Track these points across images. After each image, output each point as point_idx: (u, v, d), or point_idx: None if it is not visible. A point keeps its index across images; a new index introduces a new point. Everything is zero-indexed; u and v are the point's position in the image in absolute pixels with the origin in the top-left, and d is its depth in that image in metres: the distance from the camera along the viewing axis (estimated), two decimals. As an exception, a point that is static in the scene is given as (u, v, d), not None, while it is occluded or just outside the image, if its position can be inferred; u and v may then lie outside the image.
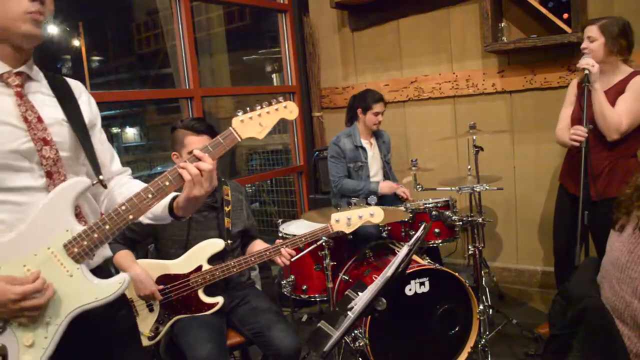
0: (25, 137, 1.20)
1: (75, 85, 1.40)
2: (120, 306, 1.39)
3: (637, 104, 2.34)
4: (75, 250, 1.21)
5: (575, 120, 2.55)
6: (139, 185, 1.37)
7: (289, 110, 1.38)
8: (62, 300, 1.20)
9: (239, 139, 1.33)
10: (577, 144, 2.34)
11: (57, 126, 1.27)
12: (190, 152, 2.03)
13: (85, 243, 1.21)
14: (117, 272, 1.57)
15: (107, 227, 1.23)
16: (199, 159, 1.28)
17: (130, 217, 1.24)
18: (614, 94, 2.41)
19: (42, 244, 1.19)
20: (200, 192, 1.28)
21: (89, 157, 1.33)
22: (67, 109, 1.32)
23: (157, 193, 1.26)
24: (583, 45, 2.44)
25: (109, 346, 1.36)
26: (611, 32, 2.37)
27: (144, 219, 1.39)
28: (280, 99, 1.38)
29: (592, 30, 2.40)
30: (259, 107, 1.35)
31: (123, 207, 1.24)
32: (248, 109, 1.34)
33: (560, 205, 2.77)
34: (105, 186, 1.35)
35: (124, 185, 1.44)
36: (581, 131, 2.31)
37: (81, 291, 1.21)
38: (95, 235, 1.22)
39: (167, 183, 1.27)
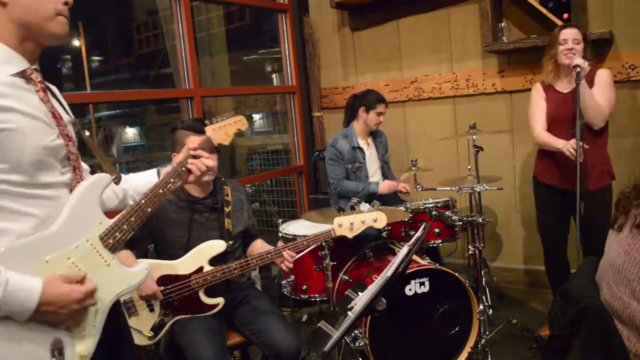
0: (54, 133, 1.22)
1: (54, 87, 1.41)
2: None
3: (609, 93, 2.60)
4: (111, 241, 1.29)
5: (554, 119, 2.69)
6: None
7: (242, 122, 1.64)
8: (103, 289, 1.27)
9: (216, 144, 1.59)
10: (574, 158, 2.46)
11: (69, 125, 1.31)
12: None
13: (117, 234, 1.30)
14: None
15: (133, 219, 1.33)
16: (195, 157, 1.49)
17: (149, 209, 1.37)
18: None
19: (81, 237, 1.25)
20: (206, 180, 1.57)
21: (98, 155, 1.39)
22: (64, 109, 1.35)
23: (166, 190, 1.43)
24: (569, 46, 2.59)
25: (111, 343, 1.37)
26: (585, 36, 2.64)
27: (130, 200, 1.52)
28: (233, 114, 1.63)
29: (578, 34, 2.61)
30: (219, 120, 1.60)
31: (143, 201, 1.36)
32: (213, 119, 1.60)
33: (545, 201, 2.83)
34: (117, 183, 1.41)
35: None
36: (571, 147, 2.47)
37: (118, 279, 1.31)
38: (125, 227, 1.31)
39: (172, 180, 1.45)
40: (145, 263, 1.38)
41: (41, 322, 1.15)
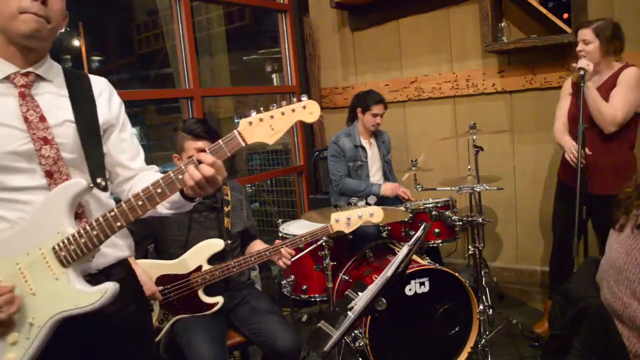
0: (24, 138, 1.19)
1: (97, 83, 1.38)
2: (127, 303, 1.36)
3: (630, 95, 2.45)
4: (63, 253, 1.19)
5: (572, 117, 2.64)
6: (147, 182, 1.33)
7: (309, 111, 1.17)
8: (46, 303, 1.19)
9: (243, 144, 1.19)
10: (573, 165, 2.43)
11: (61, 127, 1.26)
12: (191, 157, 2.03)
13: (72, 247, 1.19)
14: (133, 276, 1.47)
15: (95, 233, 1.20)
16: (199, 162, 1.18)
17: (118, 224, 1.20)
18: (606, 89, 2.51)
19: (35, 244, 1.19)
20: (205, 193, 1.23)
21: (89, 158, 1.29)
22: (79, 109, 1.30)
23: (148, 200, 1.20)
24: (578, 48, 2.53)
25: (106, 345, 1.33)
26: (605, 34, 2.47)
27: (162, 210, 1.34)
28: (304, 97, 1.19)
29: (587, 34, 2.49)
30: (273, 107, 1.19)
31: (112, 214, 1.20)
32: (262, 108, 1.18)
33: (561, 200, 2.82)
34: (103, 189, 1.29)
35: (140, 182, 1.40)
36: (573, 155, 2.44)
37: (63, 297, 1.19)
38: (83, 241, 1.19)
39: (159, 190, 1.20)
40: (106, 285, 1.20)
41: None
